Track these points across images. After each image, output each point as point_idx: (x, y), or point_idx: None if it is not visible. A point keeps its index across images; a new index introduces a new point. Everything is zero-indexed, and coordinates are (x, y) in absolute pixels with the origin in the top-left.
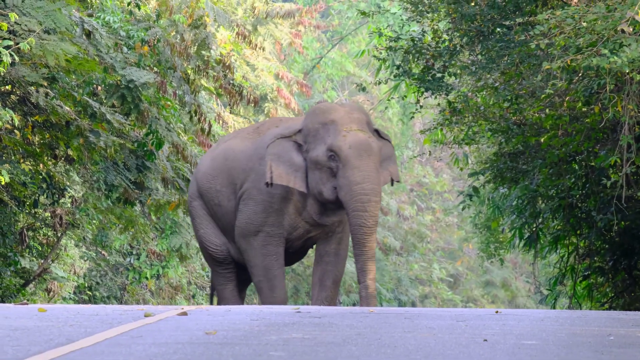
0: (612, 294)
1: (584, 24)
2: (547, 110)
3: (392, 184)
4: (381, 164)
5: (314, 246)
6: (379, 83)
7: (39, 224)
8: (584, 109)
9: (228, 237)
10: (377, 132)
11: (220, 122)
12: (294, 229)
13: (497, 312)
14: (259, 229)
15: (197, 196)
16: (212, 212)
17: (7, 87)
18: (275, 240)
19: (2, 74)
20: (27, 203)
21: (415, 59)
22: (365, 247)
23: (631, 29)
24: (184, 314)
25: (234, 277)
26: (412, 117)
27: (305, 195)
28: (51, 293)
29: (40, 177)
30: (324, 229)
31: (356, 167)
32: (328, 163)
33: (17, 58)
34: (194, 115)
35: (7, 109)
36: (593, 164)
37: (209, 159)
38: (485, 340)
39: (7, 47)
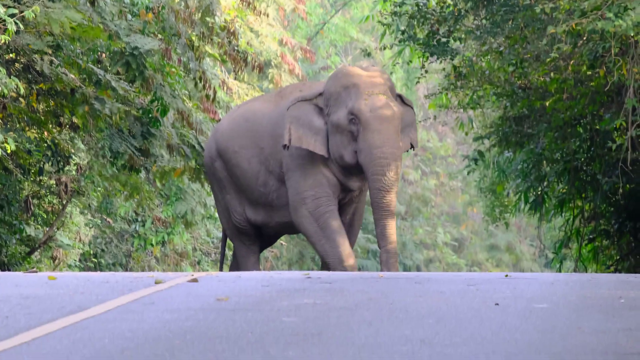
0: (618, 257)
1: None
2: (551, 74)
3: (413, 149)
4: (402, 131)
5: None
6: (384, 48)
7: (44, 191)
8: (589, 73)
9: (244, 200)
10: (400, 98)
11: (225, 88)
12: (336, 187)
13: (506, 275)
14: (304, 195)
15: (216, 156)
16: (230, 172)
17: (11, 55)
18: (324, 201)
19: (7, 42)
20: (32, 171)
21: (420, 24)
22: (385, 210)
23: None
24: (195, 280)
25: (257, 249)
26: (418, 82)
27: (327, 159)
28: (56, 261)
29: (45, 144)
30: (350, 195)
31: (376, 130)
32: (349, 126)
33: (21, 26)
34: (198, 81)
35: (12, 77)
36: (598, 127)
37: (228, 120)
38: (497, 304)
39: (12, 15)
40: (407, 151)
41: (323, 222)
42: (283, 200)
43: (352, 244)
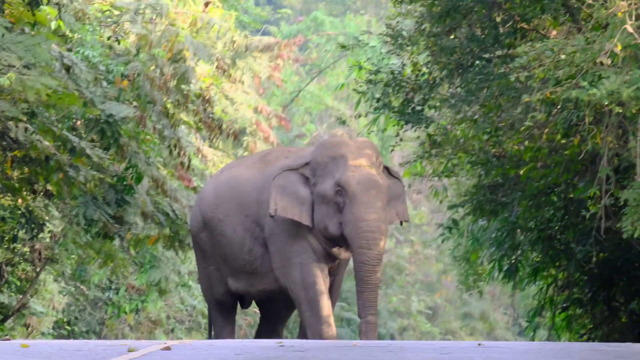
0: (591, 326)
1: (563, 57)
2: (526, 143)
3: (400, 224)
4: (389, 203)
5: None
6: (359, 116)
7: (17, 258)
8: (563, 141)
9: (228, 268)
10: (387, 170)
11: (200, 155)
12: (321, 254)
13: (479, 344)
14: (291, 261)
15: (202, 227)
16: (215, 241)
17: None
18: (312, 269)
19: None
20: (6, 238)
21: (395, 92)
22: (369, 284)
23: (610, 61)
24: (168, 348)
25: (234, 318)
26: (392, 150)
27: (312, 229)
28: (30, 328)
29: (19, 212)
30: (334, 264)
31: (363, 203)
32: (335, 198)
33: None
34: (173, 149)
35: None
36: (572, 195)
37: (212, 187)
38: None
39: None
40: (398, 224)
41: (312, 293)
42: (267, 267)
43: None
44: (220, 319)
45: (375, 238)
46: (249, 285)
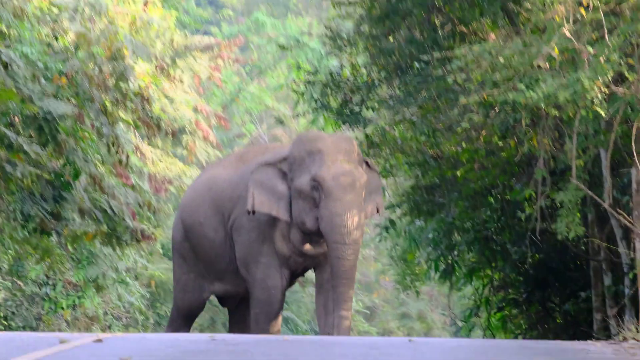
0: (526, 326)
1: (501, 59)
2: (463, 144)
3: (378, 214)
4: (368, 196)
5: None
6: (297, 116)
7: None
8: (500, 143)
9: (214, 274)
10: (367, 163)
11: (138, 153)
12: (286, 259)
13: (410, 340)
14: (257, 259)
15: (184, 236)
16: (197, 244)
17: None
18: (274, 272)
19: None
20: None
21: (334, 93)
22: (344, 279)
23: (547, 65)
24: (99, 340)
25: (190, 324)
26: None
27: (290, 224)
28: None
29: None
30: (313, 259)
31: (338, 198)
32: (311, 193)
33: None
34: (111, 146)
35: None
36: (508, 197)
37: (192, 191)
38: None
39: None
40: (373, 216)
41: (267, 297)
42: None
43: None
44: (178, 321)
45: (351, 233)
46: (235, 285)
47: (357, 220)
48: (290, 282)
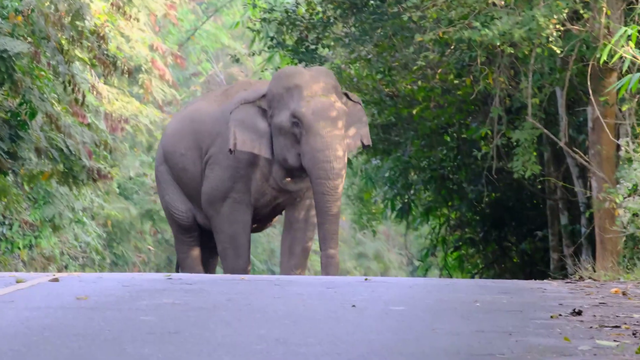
0: (483, 265)
1: None
2: (419, 83)
3: (363, 147)
4: (350, 128)
5: (283, 213)
6: (253, 55)
7: None
8: (456, 82)
9: (194, 203)
10: (347, 96)
11: (95, 92)
12: (262, 195)
13: (366, 279)
14: (226, 195)
15: (162, 160)
16: (177, 177)
17: None
18: (243, 208)
19: None
20: None
21: (289, 31)
22: (329, 214)
23: (502, 2)
24: (56, 280)
25: (197, 244)
26: None
27: (271, 161)
28: None
29: None
30: (291, 195)
31: (319, 133)
32: (292, 129)
33: None
34: (67, 85)
35: None
36: (465, 135)
37: (175, 122)
38: (354, 306)
39: None
40: (358, 149)
41: (234, 230)
42: None
43: (309, 240)
44: (185, 247)
45: (334, 168)
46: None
47: (340, 155)
48: (265, 224)
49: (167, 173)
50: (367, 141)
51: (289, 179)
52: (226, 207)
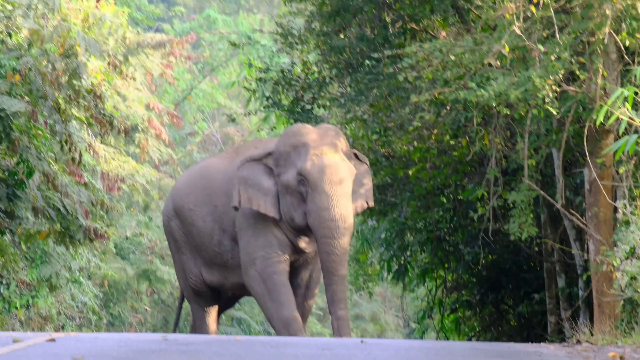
0: (479, 328)
1: (452, 57)
2: (415, 143)
3: (368, 206)
4: (356, 189)
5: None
6: (249, 114)
7: None
8: (452, 142)
9: (201, 259)
10: (355, 155)
11: (91, 151)
12: (286, 247)
13: (362, 341)
14: (255, 255)
15: (173, 215)
16: (187, 231)
17: None
18: (273, 262)
19: None
20: None
21: (285, 91)
22: (335, 275)
23: (498, 63)
24: (52, 340)
25: (214, 310)
26: None
27: (279, 221)
28: None
29: None
30: (306, 257)
31: (325, 192)
32: (298, 187)
33: None
34: (64, 144)
35: None
36: (461, 197)
37: (185, 177)
38: None
39: None
40: (362, 210)
41: (271, 283)
42: (237, 261)
43: (309, 307)
44: (200, 311)
45: (339, 227)
46: (222, 277)
47: (346, 213)
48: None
49: (179, 229)
50: (371, 203)
51: (302, 243)
52: (256, 268)
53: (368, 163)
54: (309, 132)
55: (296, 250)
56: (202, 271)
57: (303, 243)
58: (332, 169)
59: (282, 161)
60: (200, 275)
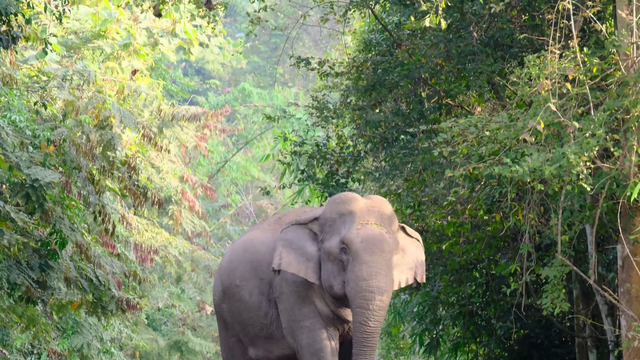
0: None
1: (487, 133)
2: (449, 218)
3: (417, 286)
4: (402, 264)
5: None
6: (283, 187)
7: None
8: (486, 217)
9: (247, 338)
10: (404, 230)
11: (125, 223)
12: (330, 319)
13: None
14: (300, 324)
15: (222, 298)
16: (234, 308)
17: None
18: (320, 334)
19: None
20: None
21: (320, 164)
22: (365, 347)
23: (533, 139)
24: None
25: None
26: None
27: (320, 287)
28: None
29: None
30: (348, 325)
31: (365, 262)
32: (339, 256)
33: None
34: (98, 215)
35: None
36: (494, 272)
37: (229, 253)
38: None
39: None
40: (410, 287)
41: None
42: (282, 331)
43: None
44: None
45: (375, 298)
46: (267, 351)
47: (384, 286)
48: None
49: (229, 312)
50: (421, 279)
51: (344, 311)
52: (305, 339)
53: (420, 238)
54: (358, 201)
55: (340, 320)
56: (248, 348)
57: (345, 312)
58: (375, 239)
59: (327, 227)
60: (246, 354)
